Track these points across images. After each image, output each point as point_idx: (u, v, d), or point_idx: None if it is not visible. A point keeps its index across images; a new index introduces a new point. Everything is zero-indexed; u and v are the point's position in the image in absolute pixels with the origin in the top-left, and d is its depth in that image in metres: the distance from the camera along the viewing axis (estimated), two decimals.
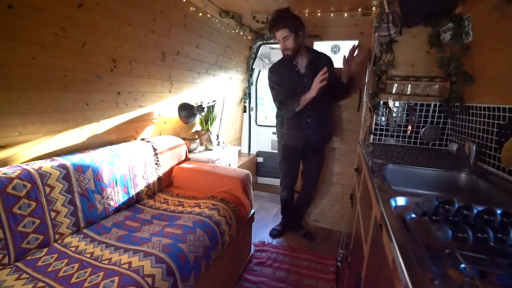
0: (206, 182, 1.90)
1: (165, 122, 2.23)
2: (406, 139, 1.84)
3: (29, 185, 1.14)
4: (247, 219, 1.82)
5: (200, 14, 2.14)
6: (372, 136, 1.93)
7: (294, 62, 1.96)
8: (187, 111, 2.21)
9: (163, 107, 2.15)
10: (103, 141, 1.71)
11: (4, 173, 1.11)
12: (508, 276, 0.50)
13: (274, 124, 2.25)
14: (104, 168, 1.48)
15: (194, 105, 2.24)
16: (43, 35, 1.24)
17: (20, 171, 1.15)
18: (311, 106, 1.91)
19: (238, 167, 2.81)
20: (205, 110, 2.30)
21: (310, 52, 1.98)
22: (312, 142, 2.04)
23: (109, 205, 1.48)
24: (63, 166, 1.29)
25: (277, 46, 3.47)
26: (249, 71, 3.43)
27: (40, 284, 0.97)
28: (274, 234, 2.39)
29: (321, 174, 2.30)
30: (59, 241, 1.24)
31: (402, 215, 0.71)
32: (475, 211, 0.62)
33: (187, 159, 2.18)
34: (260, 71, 3.67)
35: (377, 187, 0.89)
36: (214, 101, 2.51)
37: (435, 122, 1.76)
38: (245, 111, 3.54)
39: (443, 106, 1.70)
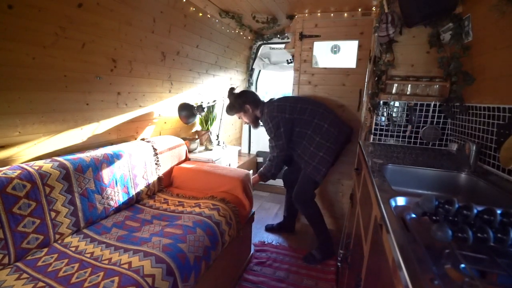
0: (206, 182, 1.90)
1: (165, 122, 2.23)
2: (406, 139, 1.84)
3: (29, 185, 1.14)
4: (247, 219, 1.82)
5: (200, 14, 2.14)
6: (372, 136, 1.93)
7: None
8: (187, 111, 2.21)
9: (163, 107, 2.15)
10: (103, 141, 1.71)
11: (4, 173, 1.11)
12: (508, 276, 0.50)
13: None
14: (104, 168, 1.47)
15: (194, 105, 2.24)
16: (43, 35, 1.24)
17: (20, 171, 1.15)
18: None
19: (238, 167, 2.82)
20: (205, 110, 2.30)
21: (260, 113, 2.09)
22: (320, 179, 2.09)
23: (109, 205, 1.48)
24: (63, 166, 1.29)
25: (277, 46, 3.48)
26: (249, 71, 3.43)
27: (40, 284, 0.97)
28: (268, 227, 2.52)
29: (303, 183, 2.05)
30: (59, 241, 1.24)
31: (402, 215, 0.71)
32: (475, 211, 0.62)
33: (187, 159, 2.18)
34: (260, 71, 3.67)
35: (377, 187, 0.89)
36: (214, 101, 2.51)
37: (435, 122, 1.76)
38: None
39: (443, 106, 1.70)
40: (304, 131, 1.99)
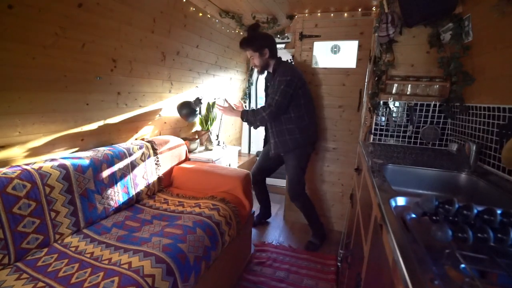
0: (206, 182, 1.90)
1: (165, 122, 2.23)
2: (406, 139, 1.84)
3: (29, 185, 1.14)
4: (247, 219, 1.82)
5: (200, 14, 2.14)
6: (372, 136, 1.93)
7: (268, 75, 2.14)
8: (186, 108, 2.18)
9: (163, 107, 2.15)
10: (103, 141, 1.71)
11: (4, 173, 1.11)
12: (508, 276, 0.50)
13: None
14: (104, 168, 1.47)
15: (191, 101, 2.21)
16: (43, 35, 1.24)
17: (20, 171, 1.15)
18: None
19: (238, 167, 2.82)
20: (202, 101, 2.22)
21: (275, 65, 2.04)
22: (276, 151, 2.12)
23: (109, 205, 1.48)
24: (63, 166, 1.29)
25: (277, 46, 3.47)
26: (249, 71, 3.43)
27: (40, 284, 0.97)
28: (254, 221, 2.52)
29: (298, 179, 2.12)
30: (59, 241, 1.24)
31: (402, 215, 0.71)
32: (475, 211, 0.62)
33: (187, 159, 2.18)
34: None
35: (377, 187, 0.89)
36: (215, 99, 2.50)
37: (435, 122, 1.77)
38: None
39: (443, 106, 1.70)
40: (289, 110, 1.98)
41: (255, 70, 2.18)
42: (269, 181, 3.50)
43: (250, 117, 2.00)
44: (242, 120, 2.06)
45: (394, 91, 1.84)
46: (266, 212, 2.58)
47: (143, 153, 1.75)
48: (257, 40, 1.98)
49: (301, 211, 2.23)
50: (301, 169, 2.12)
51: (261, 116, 1.94)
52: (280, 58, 2.07)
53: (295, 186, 2.13)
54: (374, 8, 2.12)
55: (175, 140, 2.09)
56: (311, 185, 2.55)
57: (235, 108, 2.14)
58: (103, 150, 1.55)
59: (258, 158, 2.44)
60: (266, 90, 2.24)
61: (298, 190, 2.14)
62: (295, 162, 2.09)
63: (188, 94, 2.41)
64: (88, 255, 1.14)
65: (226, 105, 2.11)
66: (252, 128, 3.60)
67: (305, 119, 2.02)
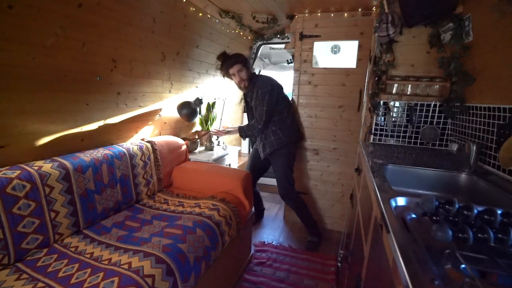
0: (206, 182, 1.90)
1: (165, 122, 2.23)
2: (406, 139, 1.84)
3: (28, 186, 1.14)
4: (247, 219, 1.82)
5: (200, 14, 2.14)
6: (372, 136, 1.93)
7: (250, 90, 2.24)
8: (186, 109, 2.19)
9: (163, 107, 2.15)
10: (103, 141, 1.71)
11: (4, 173, 1.10)
12: (508, 276, 0.50)
13: None
14: (104, 168, 1.47)
15: (191, 101, 2.22)
16: (43, 35, 1.24)
17: (20, 171, 1.15)
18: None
19: (238, 167, 2.82)
20: (202, 101, 2.26)
21: (254, 78, 2.17)
22: (264, 153, 2.23)
23: (109, 206, 1.48)
24: (63, 166, 1.29)
25: (277, 46, 3.48)
26: None
27: (40, 284, 0.97)
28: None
29: (286, 178, 2.20)
30: (59, 242, 1.24)
31: (402, 215, 0.71)
32: (475, 211, 0.62)
33: (187, 159, 2.18)
34: (260, 71, 3.67)
35: (377, 187, 0.89)
36: (215, 99, 2.50)
37: (435, 122, 1.76)
38: (245, 111, 3.54)
39: (443, 106, 1.70)
40: (273, 114, 2.16)
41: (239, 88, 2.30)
42: (269, 181, 3.52)
43: (248, 131, 2.20)
44: (241, 136, 2.25)
45: (394, 91, 1.84)
46: (258, 210, 2.65)
47: (143, 153, 1.75)
48: (240, 56, 2.11)
49: (294, 210, 2.30)
50: (289, 168, 2.24)
51: (258, 129, 2.14)
52: (254, 72, 2.23)
53: (286, 185, 2.20)
54: (374, 8, 2.11)
55: (175, 140, 2.09)
56: (310, 185, 2.55)
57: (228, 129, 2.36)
58: (103, 150, 1.55)
59: (248, 159, 2.54)
60: (246, 104, 2.39)
61: (289, 189, 2.21)
62: (283, 162, 2.20)
63: (188, 94, 2.41)
64: (88, 256, 1.14)
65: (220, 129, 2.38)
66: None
67: (287, 120, 2.20)
